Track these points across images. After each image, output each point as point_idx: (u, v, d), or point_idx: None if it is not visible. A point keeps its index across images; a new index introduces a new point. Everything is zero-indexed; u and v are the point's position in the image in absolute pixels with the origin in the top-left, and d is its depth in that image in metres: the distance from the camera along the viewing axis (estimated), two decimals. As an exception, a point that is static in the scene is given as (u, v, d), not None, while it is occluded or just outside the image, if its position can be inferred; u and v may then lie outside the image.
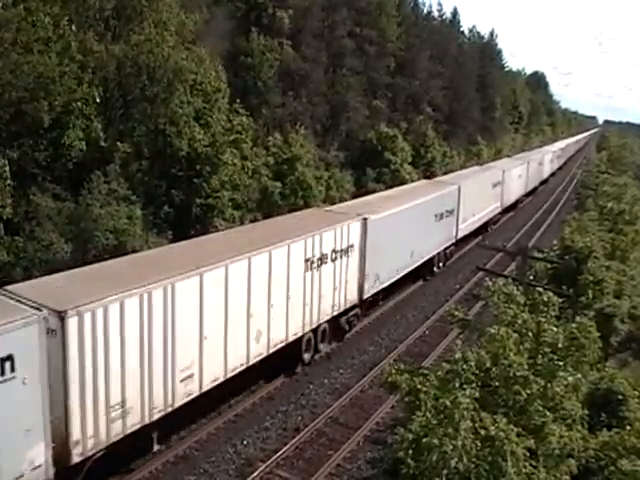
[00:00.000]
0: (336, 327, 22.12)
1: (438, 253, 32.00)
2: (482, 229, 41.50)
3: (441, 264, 32.91)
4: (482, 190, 39.98)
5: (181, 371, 14.84)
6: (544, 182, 72.95)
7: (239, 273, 16.46)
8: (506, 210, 49.28)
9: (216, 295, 15.67)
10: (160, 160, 26.47)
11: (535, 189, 65.85)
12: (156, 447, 15.15)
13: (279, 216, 25.74)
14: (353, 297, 22.57)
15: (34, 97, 20.57)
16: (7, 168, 19.89)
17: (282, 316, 18.50)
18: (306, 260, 19.17)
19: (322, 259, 19.99)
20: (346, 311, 22.39)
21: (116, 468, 14.46)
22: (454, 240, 34.33)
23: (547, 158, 73.64)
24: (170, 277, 14.29)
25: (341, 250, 21.11)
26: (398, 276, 26.68)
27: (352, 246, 21.80)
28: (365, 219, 22.37)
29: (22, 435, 11.24)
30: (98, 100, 23.04)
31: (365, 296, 23.46)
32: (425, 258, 29.86)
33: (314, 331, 20.49)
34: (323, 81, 43.84)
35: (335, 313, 21.54)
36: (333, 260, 20.71)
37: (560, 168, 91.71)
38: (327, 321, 21.16)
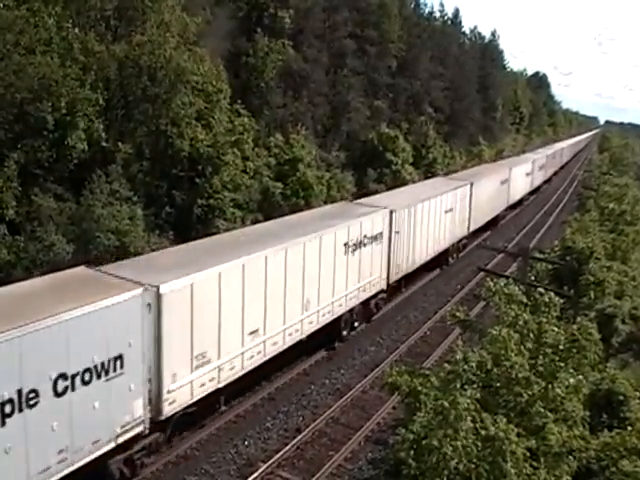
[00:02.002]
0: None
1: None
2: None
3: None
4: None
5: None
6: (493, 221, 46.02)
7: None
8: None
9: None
10: (161, 161, 26.49)
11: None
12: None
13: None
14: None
15: (37, 98, 20.61)
16: (14, 169, 19.96)
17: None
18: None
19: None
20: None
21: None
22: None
23: (519, 172, 52.85)
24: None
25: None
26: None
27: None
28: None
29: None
30: (102, 102, 23.06)
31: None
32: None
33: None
34: (324, 82, 43.82)
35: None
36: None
37: (548, 181, 75.56)
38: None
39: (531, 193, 62.29)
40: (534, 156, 65.33)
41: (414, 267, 28.45)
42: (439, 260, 32.48)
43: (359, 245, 22.43)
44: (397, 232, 25.43)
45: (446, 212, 32.11)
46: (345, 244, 21.53)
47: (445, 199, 31.96)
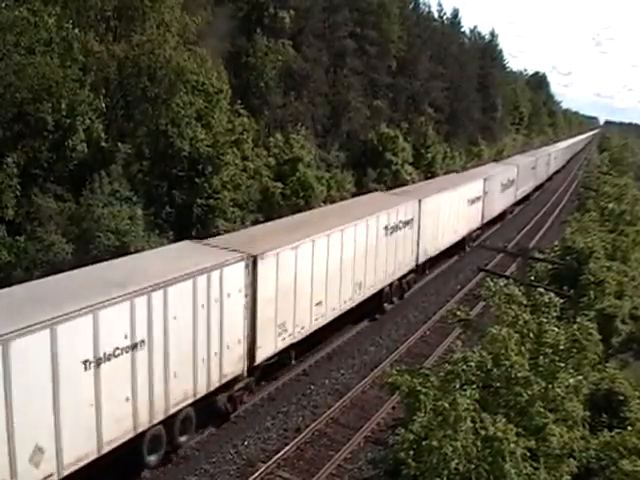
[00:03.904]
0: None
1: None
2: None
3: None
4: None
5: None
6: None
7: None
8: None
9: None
10: (161, 160, 26.46)
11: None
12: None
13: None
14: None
15: (37, 99, 20.60)
16: (15, 169, 19.95)
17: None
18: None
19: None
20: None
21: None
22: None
23: (496, 184, 43.29)
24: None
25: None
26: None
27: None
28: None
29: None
30: (102, 105, 23.06)
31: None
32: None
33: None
34: (324, 81, 43.82)
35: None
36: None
37: (526, 198, 59.17)
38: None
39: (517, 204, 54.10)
40: (521, 160, 57.17)
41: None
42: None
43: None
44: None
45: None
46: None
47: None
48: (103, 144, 23.97)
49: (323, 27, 44.35)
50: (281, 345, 18.90)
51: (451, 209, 32.97)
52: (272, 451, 16.27)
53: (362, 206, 26.29)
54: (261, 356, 17.97)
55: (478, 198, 38.11)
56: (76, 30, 22.25)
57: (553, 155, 79.39)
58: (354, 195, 38.23)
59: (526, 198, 58.83)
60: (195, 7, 29.16)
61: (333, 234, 21.10)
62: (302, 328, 19.80)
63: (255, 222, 29.06)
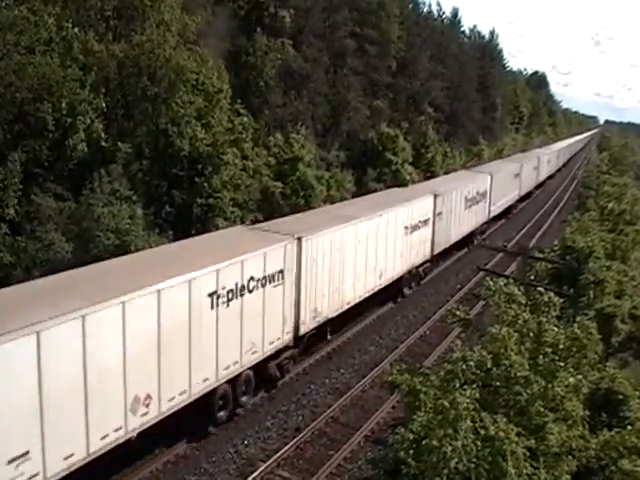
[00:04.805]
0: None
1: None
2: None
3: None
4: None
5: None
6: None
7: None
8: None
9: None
10: (161, 160, 26.46)
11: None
12: (329, 337, 22.52)
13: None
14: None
15: (37, 98, 20.59)
16: (18, 168, 19.96)
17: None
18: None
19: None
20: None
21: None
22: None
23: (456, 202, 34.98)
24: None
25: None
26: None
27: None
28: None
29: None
30: (103, 105, 23.06)
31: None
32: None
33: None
34: (324, 81, 43.79)
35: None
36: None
37: (507, 212, 49.84)
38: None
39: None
40: (499, 167, 48.10)
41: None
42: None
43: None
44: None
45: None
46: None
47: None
48: (103, 143, 23.94)
49: (323, 27, 44.32)
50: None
51: (369, 242, 24.19)
52: (272, 450, 16.29)
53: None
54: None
55: (424, 222, 29.50)
56: (76, 30, 22.26)
57: (545, 158, 69.50)
58: (354, 195, 38.25)
59: (506, 212, 48.79)
60: (195, 7, 29.15)
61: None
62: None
63: (255, 221, 29.06)
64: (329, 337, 22.55)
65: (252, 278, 17.23)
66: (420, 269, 30.07)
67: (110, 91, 24.69)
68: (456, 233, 35.06)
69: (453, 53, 69.40)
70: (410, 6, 62.27)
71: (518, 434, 11.37)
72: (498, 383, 12.81)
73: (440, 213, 31.69)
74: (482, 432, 11.32)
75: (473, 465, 11.03)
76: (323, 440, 17.17)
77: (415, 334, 24.83)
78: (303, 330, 20.08)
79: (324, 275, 20.93)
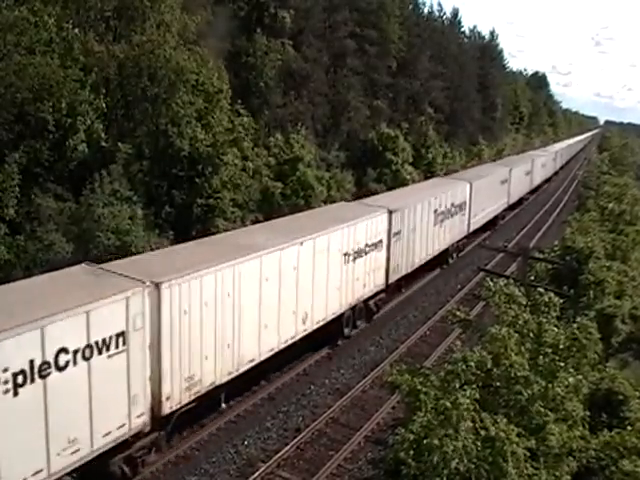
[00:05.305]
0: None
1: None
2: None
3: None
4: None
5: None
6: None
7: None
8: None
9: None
10: (161, 160, 26.48)
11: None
12: (223, 405, 17.82)
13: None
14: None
15: (38, 99, 20.61)
16: (16, 169, 19.97)
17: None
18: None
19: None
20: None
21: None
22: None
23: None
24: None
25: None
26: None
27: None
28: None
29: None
30: (103, 106, 23.07)
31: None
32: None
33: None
34: (324, 81, 43.83)
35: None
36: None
37: (491, 222, 44.13)
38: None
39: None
40: (481, 173, 42.73)
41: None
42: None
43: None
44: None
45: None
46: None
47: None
48: (103, 144, 23.98)
49: (323, 27, 44.37)
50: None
51: (285, 279, 19.03)
52: (272, 451, 16.27)
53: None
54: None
55: (374, 245, 24.47)
56: (76, 30, 22.30)
57: (539, 161, 64.21)
58: (354, 196, 38.21)
59: (492, 223, 44.30)
60: (195, 7, 29.19)
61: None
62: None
63: (255, 221, 29.07)
64: (223, 406, 17.78)
65: (64, 350, 12.16)
66: (371, 302, 24.79)
67: (110, 91, 24.72)
68: (423, 254, 29.66)
69: (453, 53, 69.40)
70: (410, 6, 62.28)
71: (518, 434, 11.37)
72: (498, 383, 12.81)
73: (398, 232, 26.30)
74: (482, 432, 11.32)
75: (473, 465, 11.03)
76: (323, 440, 17.16)
77: (415, 334, 24.81)
78: (169, 407, 15.05)
79: (205, 330, 15.84)
